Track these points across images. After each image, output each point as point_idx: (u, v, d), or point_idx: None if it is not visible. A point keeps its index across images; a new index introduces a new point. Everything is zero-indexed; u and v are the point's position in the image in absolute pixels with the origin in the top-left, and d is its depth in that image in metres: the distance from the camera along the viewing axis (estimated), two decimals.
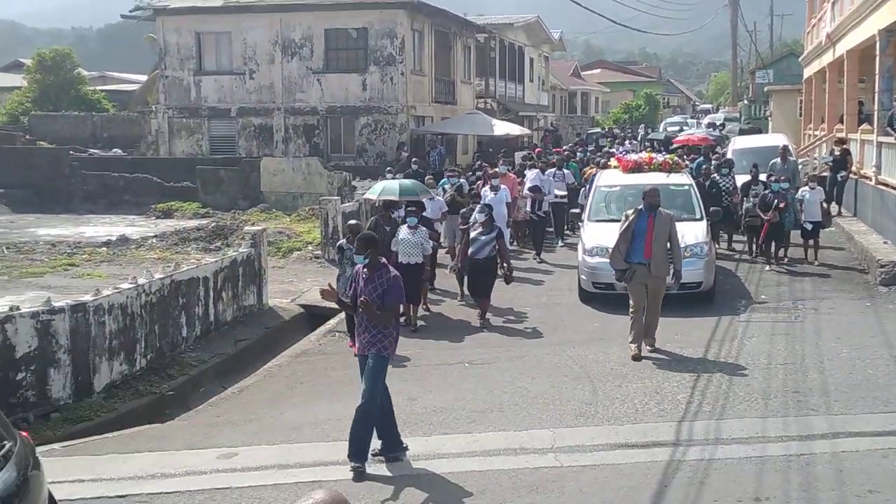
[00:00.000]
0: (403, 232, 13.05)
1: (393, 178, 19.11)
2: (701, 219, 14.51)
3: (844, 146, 21.54)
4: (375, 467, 7.87)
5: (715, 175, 18.09)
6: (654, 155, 16.09)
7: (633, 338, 11.00)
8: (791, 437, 8.06)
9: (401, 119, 31.98)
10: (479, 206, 14.22)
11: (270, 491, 7.52)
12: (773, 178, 16.74)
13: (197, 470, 8.06)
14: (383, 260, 8.27)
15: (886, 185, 17.19)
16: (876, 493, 6.69)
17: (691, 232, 13.66)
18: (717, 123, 50.53)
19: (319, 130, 32.73)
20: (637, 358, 10.76)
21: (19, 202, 28.34)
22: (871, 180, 18.40)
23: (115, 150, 37.60)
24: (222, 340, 13.36)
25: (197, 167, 29.17)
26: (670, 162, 15.56)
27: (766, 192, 16.21)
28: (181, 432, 9.45)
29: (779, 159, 19.48)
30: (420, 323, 13.32)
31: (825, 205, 17.36)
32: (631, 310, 11.06)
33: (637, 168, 15.31)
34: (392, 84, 31.88)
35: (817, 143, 26.68)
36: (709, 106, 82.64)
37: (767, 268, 15.93)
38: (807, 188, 16.65)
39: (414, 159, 25.51)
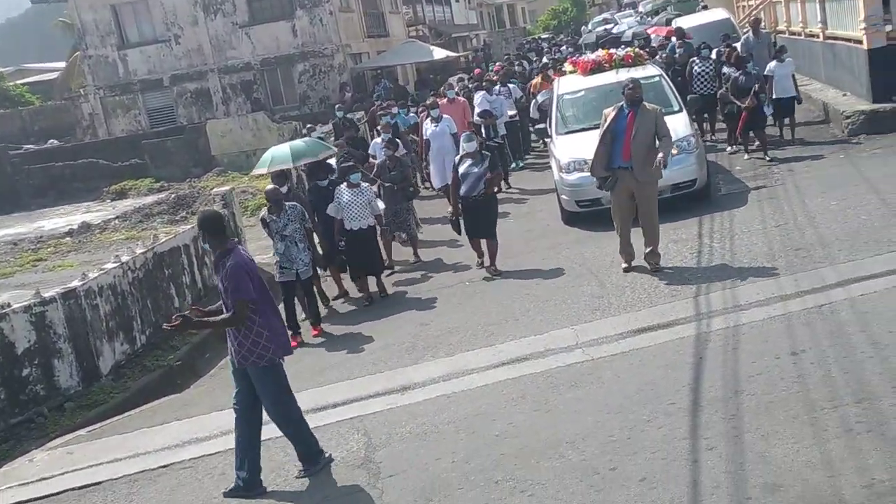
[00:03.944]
0: (345, 193, 11.26)
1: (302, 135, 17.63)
2: (680, 110, 13.28)
3: (758, 25, 20.91)
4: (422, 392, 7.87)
5: (695, 59, 16.59)
6: (612, 51, 15.14)
7: (621, 250, 10.03)
8: (806, 291, 8.15)
9: (338, 59, 31.41)
10: (464, 134, 12.09)
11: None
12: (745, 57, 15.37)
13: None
14: (231, 243, 6.63)
15: (835, 38, 17.24)
16: None
17: (674, 127, 12.10)
18: (642, 13, 49.80)
19: (258, 85, 32.06)
20: (629, 270, 9.86)
21: None
22: (818, 37, 18.43)
23: (50, 140, 36.62)
24: (215, 303, 13.15)
25: (142, 142, 28.54)
26: (632, 55, 14.57)
27: (738, 74, 14.78)
28: (203, 397, 9.35)
29: (751, 33, 18.02)
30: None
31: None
32: (615, 222, 10.05)
33: (598, 68, 14.32)
34: (322, 25, 31.22)
35: (755, 11, 26.63)
36: None
37: (746, 156, 14.72)
38: (774, 61, 15.28)
39: (337, 105, 22.74)
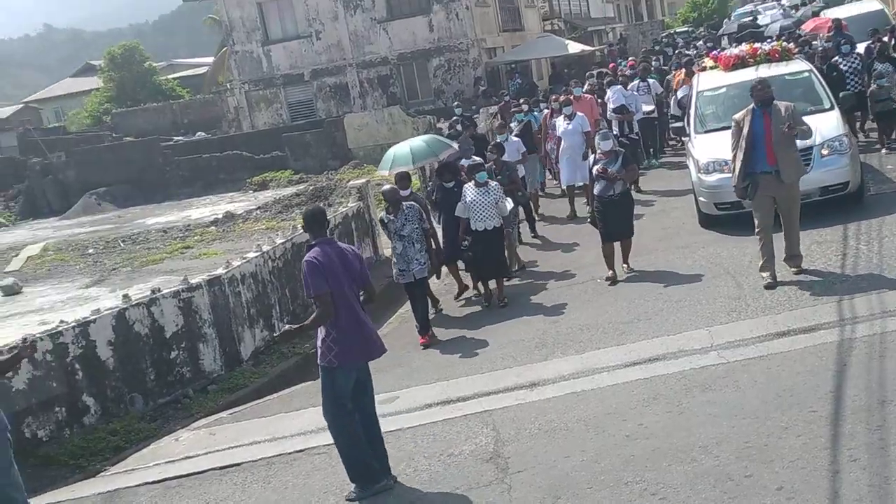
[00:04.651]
0: (471, 192, 11.01)
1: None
2: (832, 108, 12.43)
3: None
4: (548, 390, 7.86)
5: (837, 58, 15.66)
6: (756, 45, 14.21)
7: (764, 264, 9.35)
8: None
9: (473, 54, 31.62)
10: (600, 132, 11.62)
11: (441, 426, 7.60)
12: None
13: None
14: (319, 238, 6.65)
15: None
16: None
17: (824, 125, 11.65)
18: (785, 6, 47.93)
19: (393, 80, 32.64)
20: (772, 287, 9.11)
21: (122, 197, 29.26)
22: None
23: (198, 133, 38.38)
24: None
25: (283, 135, 29.55)
26: (779, 49, 13.74)
27: None
28: None
29: None
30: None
31: None
32: (756, 230, 9.42)
33: (741, 63, 13.51)
34: (458, 20, 31.48)
35: None
36: None
37: None
38: None
39: (456, 103, 22.88)
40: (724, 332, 8.23)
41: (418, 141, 13.95)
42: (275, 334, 7.12)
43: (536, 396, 7.77)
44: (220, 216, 21.85)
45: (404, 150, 13.25)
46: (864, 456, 5.44)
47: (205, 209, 24.97)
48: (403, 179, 11.63)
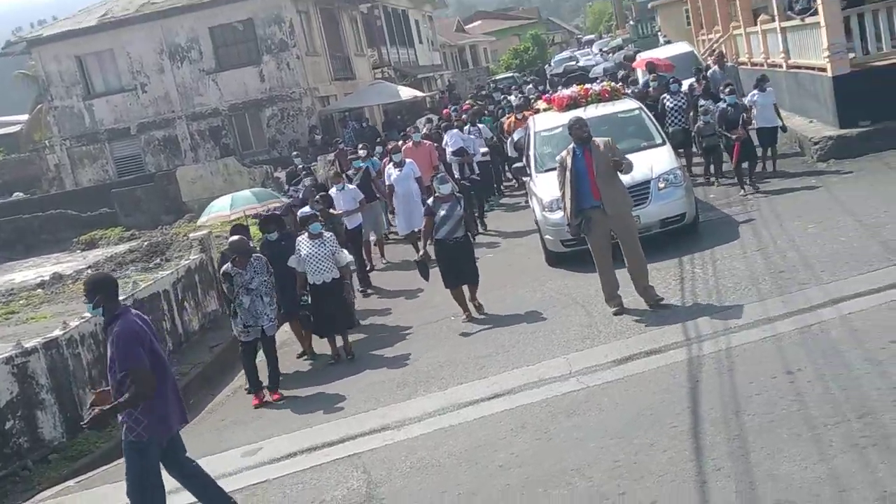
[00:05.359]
0: (305, 245, 10.61)
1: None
2: (663, 143, 12.92)
3: (723, 59, 20.49)
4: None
5: (665, 95, 16.09)
6: (587, 85, 14.74)
7: (607, 297, 9.66)
8: (794, 311, 8.23)
9: (306, 103, 31.48)
10: (438, 176, 11.44)
11: (310, 474, 7.42)
12: (727, 90, 14.69)
13: (226, 472, 7.85)
14: (121, 308, 6.29)
15: (798, 67, 17.60)
16: None
17: (658, 159, 12.17)
18: (604, 49, 51.00)
19: (226, 130, 32.02)
20: (620, 313, 9.41)
21: None
22: (781, 67, 18.81)
23: (15, 193, 36.16)
24: (196, 350, 13.09)
25: (111, 192, 28.31)
26: (609, 88, 14.22)
27: (724, 106, 14.42)
28: (193, 441, 9.03)
29: (716, 67, 18.25)
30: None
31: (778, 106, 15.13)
32: (596, 266, 9.72)
33: (574, 104, 13.83)
34: (289, 70, 31.33)
35: (716, 45, 27.14)
36: (592, 36, 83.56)
37: (742, 192, 13.91)
38: (756, 91, 14.78)
39: (295, 153, 23.21)
40: (580, 359, 8.46)
41: (245, 191, 14.56)
42: (82, 423, 6.53)
43: (404, 435, 7.71)
44: (47, 278, 20.62)
45: (226, 199, 13.82)
46: (728, 464, 5.68)
47: (29, 272, 23.48)
48: (243, 229, 11.30)
